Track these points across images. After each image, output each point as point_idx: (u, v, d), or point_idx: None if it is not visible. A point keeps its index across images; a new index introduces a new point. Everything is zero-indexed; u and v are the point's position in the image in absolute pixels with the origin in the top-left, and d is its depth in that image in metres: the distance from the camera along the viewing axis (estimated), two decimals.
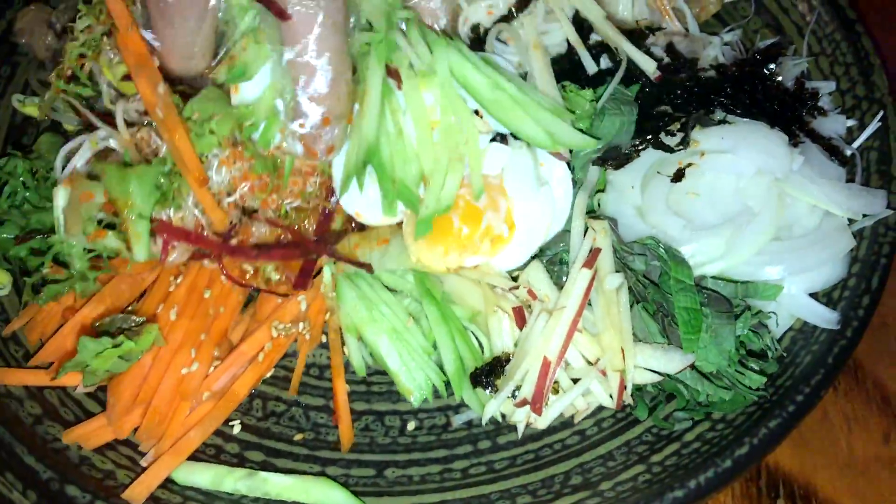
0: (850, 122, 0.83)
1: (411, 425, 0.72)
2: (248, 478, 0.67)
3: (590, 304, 0.72)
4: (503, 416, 0.72)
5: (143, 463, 0.67)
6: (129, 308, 0.72)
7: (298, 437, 0.71)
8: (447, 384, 0.73)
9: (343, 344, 0.75)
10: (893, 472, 0.74)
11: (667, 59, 0.89)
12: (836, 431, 0.76)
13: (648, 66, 0.83)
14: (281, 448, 0.71)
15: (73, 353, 0.66)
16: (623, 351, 0.68)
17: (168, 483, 0.66)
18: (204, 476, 0.67)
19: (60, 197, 0.70)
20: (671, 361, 0.68)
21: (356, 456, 0.70)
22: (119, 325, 0.67)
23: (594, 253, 0.71)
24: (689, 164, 0.78)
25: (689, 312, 0.68)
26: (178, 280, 0.74)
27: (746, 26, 0.95)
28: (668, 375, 0.69)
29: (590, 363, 0.71)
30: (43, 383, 0.70)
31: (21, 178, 0.79)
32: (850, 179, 0.80)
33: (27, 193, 0.79)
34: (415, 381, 0.73)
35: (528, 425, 0.70)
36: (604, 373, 0.70)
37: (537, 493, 0.66)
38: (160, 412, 0.68)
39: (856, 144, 0.81)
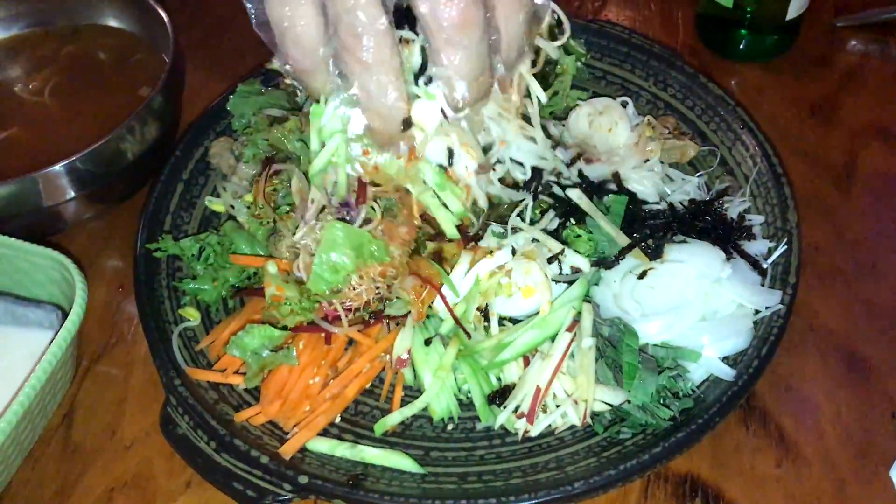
0: (770, 245, 1.19)
1: (449, 426, 1.08)
2: (350, 448, 1.03)
3: (573, 355, 1.09)
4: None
5: (289, 436, 1.04)
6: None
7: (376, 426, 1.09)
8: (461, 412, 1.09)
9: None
10: (779, 486, 1.04)
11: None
12: (744, 457, 1.07)
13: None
14: (364, 433, 1.08)
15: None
16: (587, 388, 1.05)
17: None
18: (323, 445, 1.04)
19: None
20: (616, 397, 1.04)
21: (411, 441, 1.06)
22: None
23: (574, 322, 1.08)
24: (652, 268, 1.15)
25: (629, 366, 1.03)
26: None
27: (711, 173, 1.32)
28: (615, 406, 1.05)
29: (568, 394, 1.07)
30: (220, 380, 1.10)
31: (213, 248, 1.21)
32: (762, 283, 1.16)
33: (217, 258, 1.20)
34: (440, 407, 1.08)
35: (525, 433, 1.07)
36: (576, 401, 1.06)
37: (526, 471, 1.00)
38: (293, 404, 1.07)
39: (769, 261, 1.16)
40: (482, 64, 0.88)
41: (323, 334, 1.09)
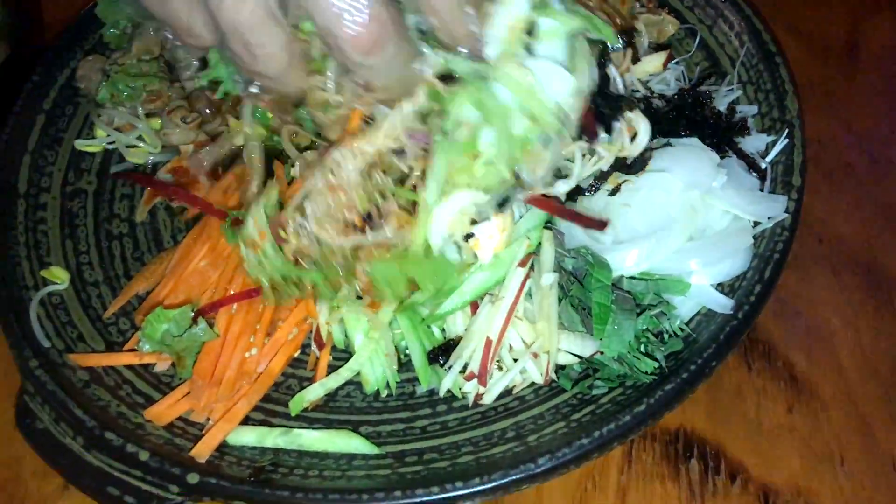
0: (769, 139, 0.97)
1: (384, 393, 0.88)
2: (284, 435, 0.83)
3: (530, 296, 0.88)
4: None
5: (203, 431, 0.83)
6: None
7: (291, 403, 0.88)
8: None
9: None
10: (792, 437, 0.86)
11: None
12: (747, 404, 0.89)
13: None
14: (278, 411, 0.87)
15: None
16: (549, 337, 0.84)
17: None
18: (249, 436, 0.83)
19: None
20: (585, 347, 0.83)
21: (336, 416, 0.86)
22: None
23: (528, 255, 0.86)
24: (626, 181, 0.93)
25: (600, 307, 0.82)
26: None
27: (689, 59, 1.09)
28: (585, 358, 0.84)
29: (526, 346, 0.86)
30: (111, 363, 0.88)
31: None
32: (761, 188, 0.94)
33: None
34: (374, 375, 0.87)
35: (477, 397, 0.86)
36: (536, 354, 0.85)
37: (479, 444, 0.81)
38: (229, 386, 0.85)
39: (768, 158, 0.94)
40: (401, 72, 0.74)
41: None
